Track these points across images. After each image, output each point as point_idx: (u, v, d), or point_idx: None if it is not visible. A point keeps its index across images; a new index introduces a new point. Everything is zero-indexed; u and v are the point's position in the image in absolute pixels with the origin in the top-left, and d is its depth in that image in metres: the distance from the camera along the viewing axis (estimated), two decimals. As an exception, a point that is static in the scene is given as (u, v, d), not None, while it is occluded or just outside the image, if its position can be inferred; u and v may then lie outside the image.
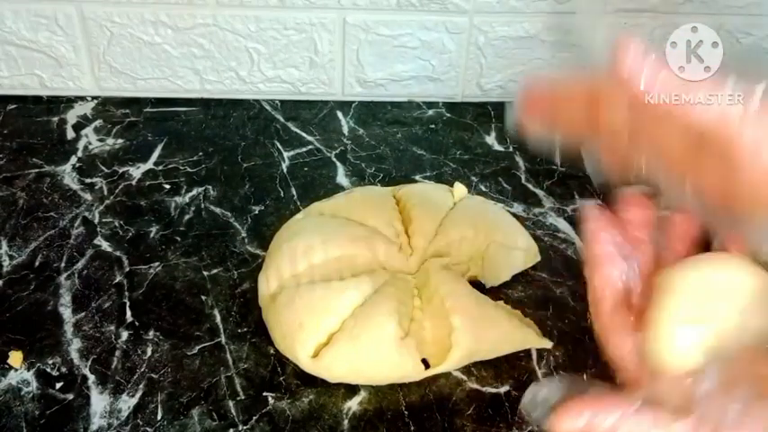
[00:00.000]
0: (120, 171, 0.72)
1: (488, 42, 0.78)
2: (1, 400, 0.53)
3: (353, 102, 0.82)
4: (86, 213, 0.67)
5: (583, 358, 0.58)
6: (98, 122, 0.77)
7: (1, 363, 0.55)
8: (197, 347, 0.57)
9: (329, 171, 0.73)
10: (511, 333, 0.57)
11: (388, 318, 0.54)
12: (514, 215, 0.68)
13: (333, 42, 0.78)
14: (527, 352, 0.58)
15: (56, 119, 0.77)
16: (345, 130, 0.78)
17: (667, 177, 0.37)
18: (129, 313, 0.59)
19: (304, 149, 0.76)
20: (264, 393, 0.54)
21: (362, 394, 0.55)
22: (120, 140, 0.75)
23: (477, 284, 0.60)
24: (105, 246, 0.64)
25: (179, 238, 0.65)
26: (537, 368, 0.57)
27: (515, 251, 0.63)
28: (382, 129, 0.79)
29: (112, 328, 0.58)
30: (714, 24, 0.80)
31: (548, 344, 0.58)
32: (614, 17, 0.77)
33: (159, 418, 0.53)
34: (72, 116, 0.78)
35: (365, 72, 0.80)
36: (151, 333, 0.58)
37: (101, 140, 0.75)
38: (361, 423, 0.53)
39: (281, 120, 0.79)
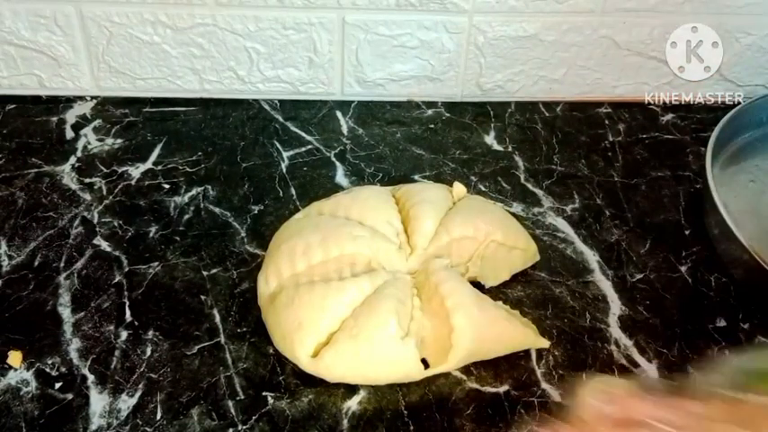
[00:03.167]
0: (120, 171, 0.72)
1: (488, 42, 0.78)
2: (0, 399, 0.53)
3: (353, 101, 0.82)
4: (85, 213, 0.67)
5: (582, 357, 0.58)
6: (97, 122, 0.77)
7: (0, 363, 0.55)
8: (196, 347, 0.57)
9: (328, 171, 0.73)
10: (510, 333, 0.57)
11: (387, 317, 0.54)
12: (513, 215, 0.68)
13: (332, 42, 0.78)
14: (526, 352, 0.58)
15: (55, 119, 0.77)
16: (345, 129, 0.78)
17: None
18: (128, 313, 0.59)
19: (303, 149, 0.76)
20: (264, 393, 0.54)
21: (362, 394, 0.55)
22: (119, 140, 0.75)
23: (476, 284, 0.60)
24: (104, 245, 0.64)
25: (178, 238, 0.65)
26: (536, 368, 0.57)
27: (515, 251, 0.63)
28: (381, 128, 0.79)
29: (112, 327, 0.58)
30: (714, 24, 0.80)
31: (546, 344, 0.58)
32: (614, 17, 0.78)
33: (159, 417, 0.53)
34: (71, 116, 0.78)
35: (364, 72, 0.80)
36: (150, 333, 0.58)
37: (100, 140, 0.75)
38: (360, 423, 0.53)
39: (281, 119, 0.79)
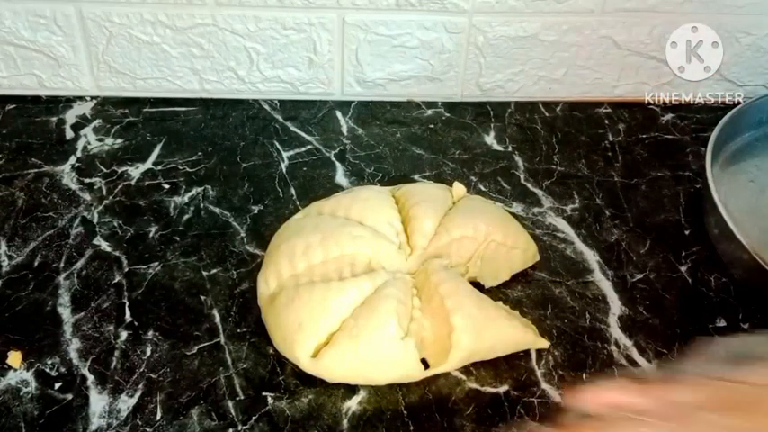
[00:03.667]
0: (119, 171, 0.72)
1: (487, 42, 0.78)
2: (0, 400, 0.53)
3: (353, 101, 0.82)
4: (85, 213, 0.67)
5: (582, 358, 0.58)
6: (97, 122, 0.77)
7: (0, 363, 0.55)
8: (196, 347, 0.57)
9: (328, 171, 0.73)
10: (510, 333, 0.57)
11: (387, 318, 0.54)
12: (513, 215, 0.68)
13: (332, 42, 0.78)
14: (526, 352, 0.58)
15: (55, 119, 0.77)
16: (344, 129, 0.78)
17: None
18: (128, 313, 0.59)
19: (303, 149, 0.76)
20: (264, 393, 0.54)
21: (362, 394, 0.55)
22: (119, 140, 0.75)
23: (476, 284, 0.60)
24: (104, 246, 0.64)
25: (178, 238, 0.65)
26: (536, 368, 0.57)
27: (514, 251, 0.63)
28: (381, 128, 0.79)
29: (111, 328, 0.58)
30: (714, 24, 0.80)
31: (545, 344, 0.58)
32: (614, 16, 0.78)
33: (158, 418, 0.53)
34: (71, 116, 0.78)
35: (364, 72, 0.80)
36: (150, 333, 0.58)
37: (100, 140, 0.75)
38: (360, 423, 0.53)
39: (281, 120, 0.79)
